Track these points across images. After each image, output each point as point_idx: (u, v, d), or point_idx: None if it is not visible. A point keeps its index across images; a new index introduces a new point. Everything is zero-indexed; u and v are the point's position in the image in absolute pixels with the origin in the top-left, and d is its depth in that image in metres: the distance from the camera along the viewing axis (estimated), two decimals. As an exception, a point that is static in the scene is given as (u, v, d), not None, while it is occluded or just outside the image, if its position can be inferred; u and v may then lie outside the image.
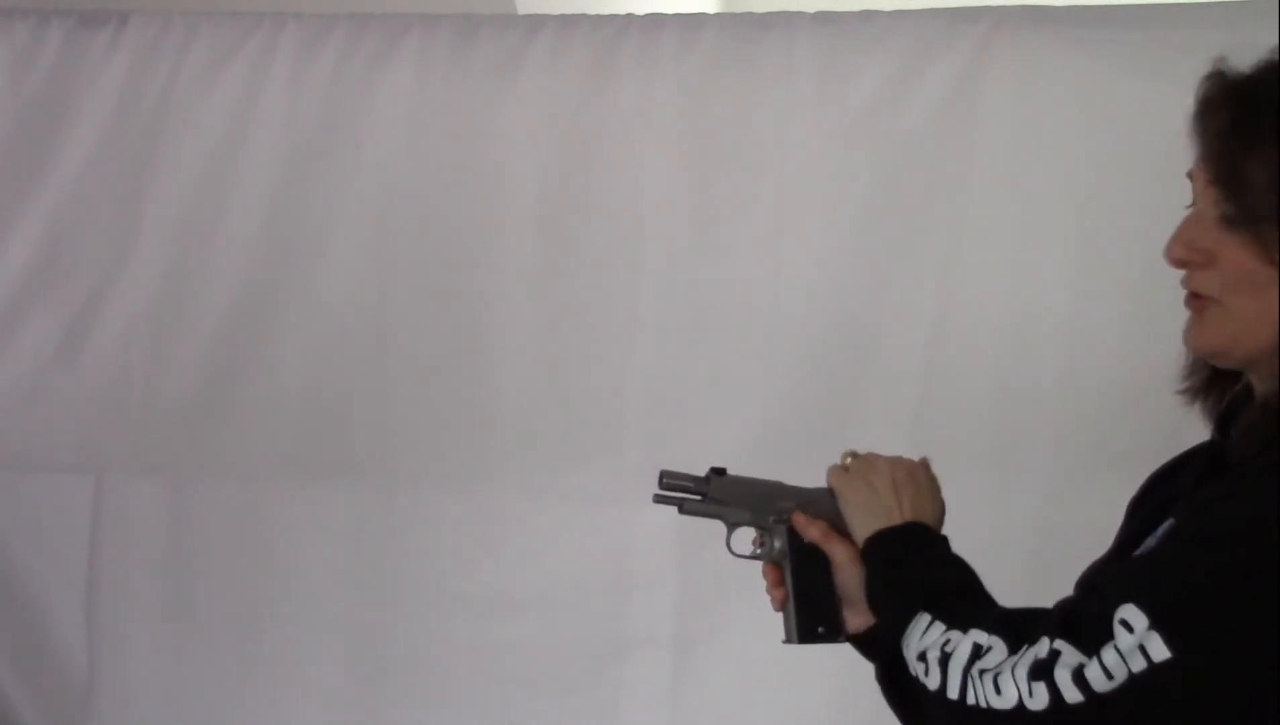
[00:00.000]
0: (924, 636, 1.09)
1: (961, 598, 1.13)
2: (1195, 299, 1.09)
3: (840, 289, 2.04)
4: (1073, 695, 0.97)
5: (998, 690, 1.00)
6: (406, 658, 2.13)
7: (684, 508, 1.39)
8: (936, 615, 1.10)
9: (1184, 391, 1.18)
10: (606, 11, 2.11)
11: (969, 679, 1.03)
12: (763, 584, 2.07)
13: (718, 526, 1.93)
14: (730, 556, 2.03)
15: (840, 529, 1.28)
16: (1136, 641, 0.95)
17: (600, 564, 2.10)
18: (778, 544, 1.34)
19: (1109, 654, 0.96)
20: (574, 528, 2.10)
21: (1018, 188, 1.99)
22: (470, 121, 2.10)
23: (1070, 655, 0.98)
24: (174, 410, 2.15)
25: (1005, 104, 1.98)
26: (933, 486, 1.27)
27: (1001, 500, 1.98)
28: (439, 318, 2.12)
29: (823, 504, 1.31)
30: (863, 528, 1.23)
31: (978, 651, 1.04)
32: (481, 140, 2.10)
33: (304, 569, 2.15)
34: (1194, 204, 1.10)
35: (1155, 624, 0.95)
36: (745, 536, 1.38)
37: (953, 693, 1.04)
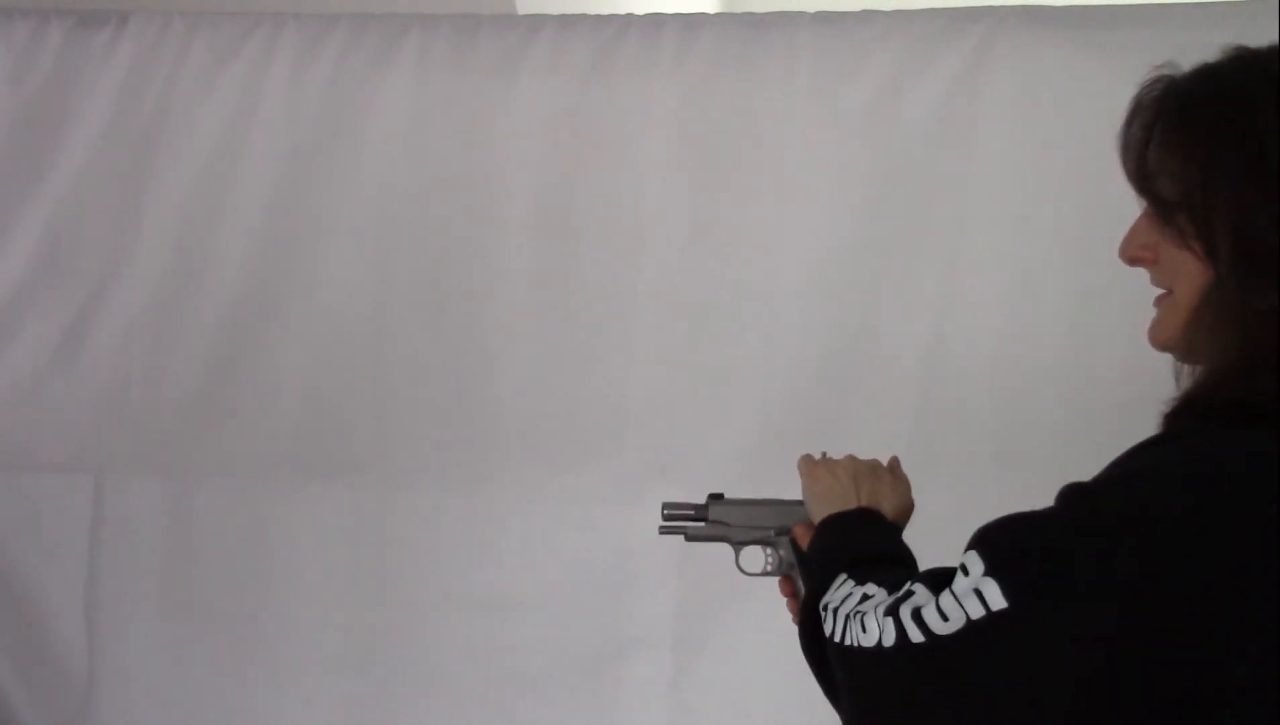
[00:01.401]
0: (834, 592, 1.13)
1: (882, 563, 1.17)
2: (1161, 297, 1.12)
3: (840, 289, 2.04)
4: (915, 634, 0.99)
5: (864, 628, 1.04)
6: (406, 658, 2.13)
7: (689, 535, 1.46)
8: (851, 574, 1.14)
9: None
10: (606, 11, 2.11)
11: (848, 621, 1.07)
12: (762, 585, 2.07)
13: (717, 527, 1.91)
14: (730, 556, 2.04)
15: None
16: (971, 585, 0.97)
17: (600, 564, 2.10)
18: (784, 555, 1.39)
19: (945, 597, 0.99)
20: (574, 528, 2.10)
21: (1017, 187, 1.99)
22: (470, 121, 2.10)
23: (920, 596, 1.02)
24: (174, 410, 2.15)
25: (1005, 104, 1.98)
26: (896, 483, 1.33)
27: (1001, 500, 1.98)
28: (439, 318, 2.12)
29: (801, 514, 1.37)
30: (819, 513, 1.30)
31: (863, 599, 1.09)
32: (481, 140, 2.10)
33: (304, 569, 2.15)
34: None
35: (990, 571, 0.96)
36: (752, 555, 1.43)
37: (836, 636, 1.09)
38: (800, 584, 1.36)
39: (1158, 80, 1.11)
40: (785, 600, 1.40)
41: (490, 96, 2.09)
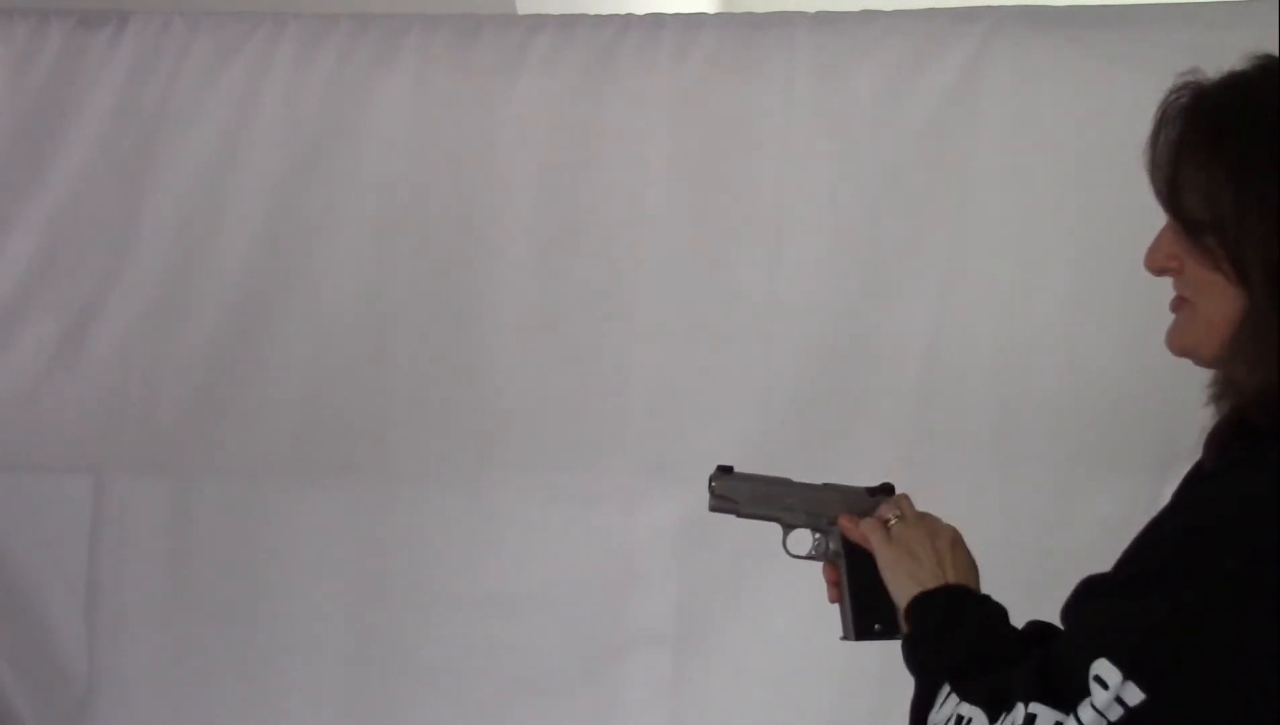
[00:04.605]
0: (939, 711, 1.11)
1: (979, 667, 1.12)
2: (1178, 301, 1.12)
3: (840, 288, 2.05)
4: None
5: None
6: (406, 657, 2.13)
7: (738, 513, 1.44)
8: (954, 687, 1.11)
9: (1210, 393, 1.19)
10: (606, 11, 2.11)
11: None
12: (762, 586, 2.08)
13: (718, 526, 1.93)
14: (729, 556, 2.04)
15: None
16: (1113, 695, 0.97)
17: (600, 564, 2.10)
18: (832, 545, 1.38)
19: (1086, 712, 0.98)
20: (574, 528, 2.10)
21: (1017, 187, 1.99)
22: (470, 121, 2.10)
23: (1046, 716, 1.00)
24: (174, 410, 2.15)
25: (1005, 104, 1.98)
26: (966, 550, 1.29)
27: (1001, 501, 1.98)
28: (439, 318, 2.12)
29: (854, 503, 1.38)
30: (905, 593, 1.25)
31: (959, 723, 1.06)
32: (481, 140, 2.10)
33: (304, 569, 2.15)
34: None
35: (1129, 675, 0.96)
36: (800, 538, 1.42)
37: None
38: (843, 573, 1.36)
39: (1184, 88, 1.07)
40: (825, 588, 1.39)
41: (490, 96, 2.09)
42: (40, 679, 2.20)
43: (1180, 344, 1.12)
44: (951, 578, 1.23)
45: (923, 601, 1.22)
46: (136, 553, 2.17)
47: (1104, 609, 1.03)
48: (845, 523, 1.36)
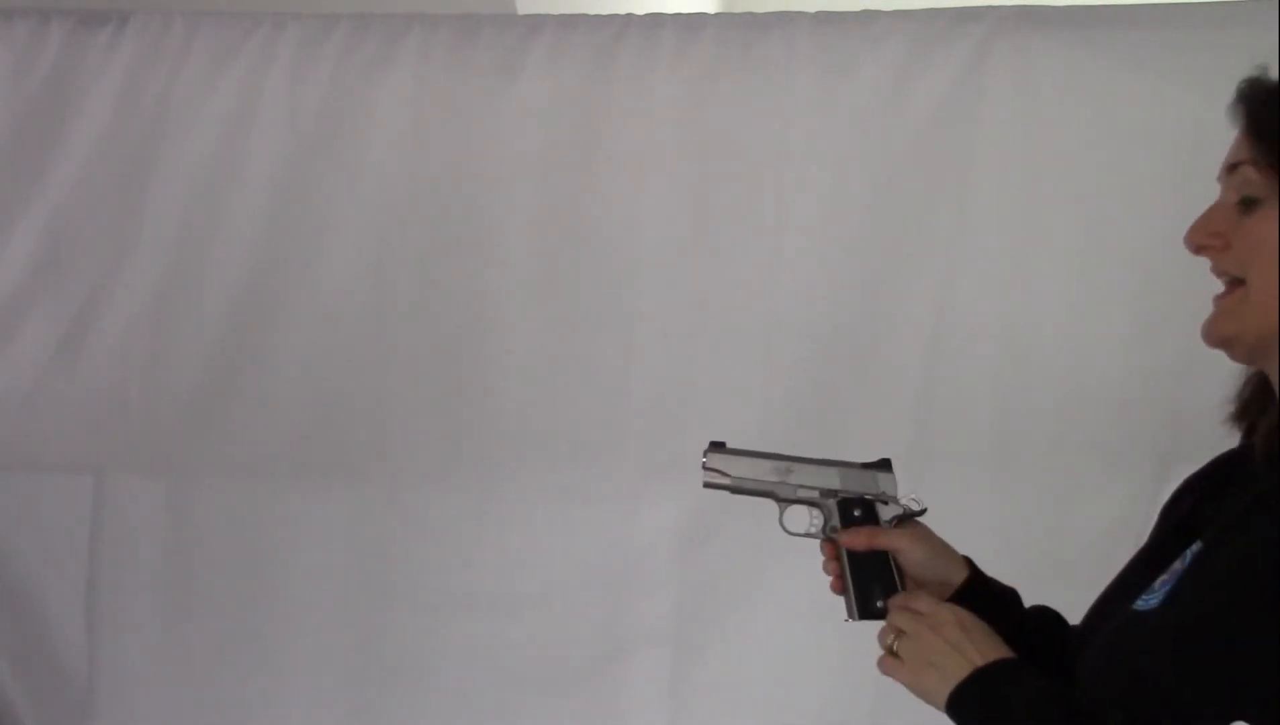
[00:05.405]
0: None
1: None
2: (1217, 295, 1.09)
3: (841, 289, 2.05)
4: None
5: None
6: (406, 657, 2.13)
7: (734, 490, 1.42)
8: None
9: (1230, 415, 1.16)
10: (606, 11, 2.11)
11: None
12: (762, 584, 2.08)
13: (718, 526, 1.93)
14: (729, 556, 2.04)
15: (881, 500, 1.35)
16: None
17: (600, 564, 2.10)
18: (830, 520, 1.36)
19: None
20: (574, 528, 2.10)
21: (1018, 188, 1.99)
22: (470, 121, 2.10)
23: None
24: (174, 410, 2.15)
25: (1005, 104, 1.98)
26: (979, 623, 1.19)
27: (1001, 500, 1.98)
28: (439, 318, 2.12)
29: (851, 478, 1.37)
30: (939, 700, 1.17)
31: None
32: (481, 140, 2.10)
33: (304, 569, 2.15)
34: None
35: None
36: (797, 515, 1.40)
37: None
38: (843, 551, 1.33)
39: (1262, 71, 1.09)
40: (823, 564, 1.36)
41: (490, 96, 2.09)
42: (40, 679, 2.20)
43: (1223, 331, 1.08)
44: (978, 660, 1.14)
45: (958, 698, 1.14)
46: (136, 553, 2.17)
47: (1221, 663, 0.97)
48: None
